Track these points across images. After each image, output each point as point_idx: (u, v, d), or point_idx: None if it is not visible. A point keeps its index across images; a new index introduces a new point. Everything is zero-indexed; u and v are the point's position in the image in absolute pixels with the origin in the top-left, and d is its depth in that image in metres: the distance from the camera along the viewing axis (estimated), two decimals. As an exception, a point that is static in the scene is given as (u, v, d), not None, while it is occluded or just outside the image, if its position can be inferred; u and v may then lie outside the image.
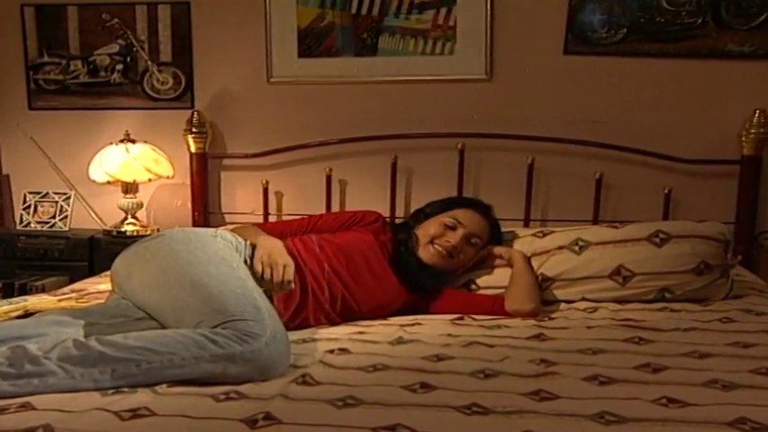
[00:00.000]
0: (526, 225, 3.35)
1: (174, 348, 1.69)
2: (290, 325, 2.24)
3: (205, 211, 3.67)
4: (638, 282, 2.59)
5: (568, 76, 3.39)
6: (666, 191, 3.29)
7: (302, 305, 2.30)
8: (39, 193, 3.69)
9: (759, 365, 1.81)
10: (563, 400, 1.59)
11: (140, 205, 3.60)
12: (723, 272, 2.62)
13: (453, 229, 2.58)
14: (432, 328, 2.28)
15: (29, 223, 3.64)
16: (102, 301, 2.32)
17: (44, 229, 3.61)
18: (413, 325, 2.32)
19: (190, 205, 3.69)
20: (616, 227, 2.77)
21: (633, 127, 3.34)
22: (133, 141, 3.53)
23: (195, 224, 3.63)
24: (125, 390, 1.62)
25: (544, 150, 3.38)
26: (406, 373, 1.79)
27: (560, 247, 2.69)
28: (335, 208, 3.59)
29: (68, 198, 3.66)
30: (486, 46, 3.41)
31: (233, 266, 2.06)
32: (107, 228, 3.58)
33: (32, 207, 3.66)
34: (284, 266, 2.23)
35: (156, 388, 1.63)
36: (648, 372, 1.80)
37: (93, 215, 3.73)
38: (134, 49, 3.70)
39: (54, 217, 3.63)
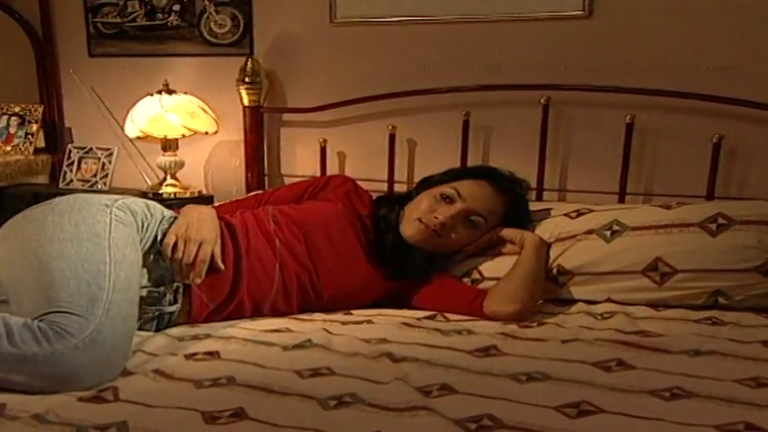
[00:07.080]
0: (621, 200, 2.66)
1: None
2: (218, 316, 1.85)
3: (260, 172, 3.25)
4: (680, 281, 1.97)
5: (689, 9, 2.62)
6: (809, 160, 2.49)
7: (235, 289, 1.86)
8: (83, 148, 3.39)
9: (740, 419, 1.24)
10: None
11: (181, 164, 3.19)
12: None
13: (450, 202, 2.05)
14: (368, 330, 1.81)
15: (71, 181, 3.34)
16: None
17: (84, 187, 3.28)
18: (359, 323, 1.86)
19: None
20: (669, 207, 2.11)
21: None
22: (170, 92, 3.13)
23: (249, 188, 3.21)
24: None
25: (650, 106, 2.66)
26: (243, 393, 1.39)
27: (589, 231, 2.08)
28: (401, 172, 3.05)
29: (111, 154, 3.32)
30: (586, -27, 2.72)
31: (104, 245, 1.63)
32: (144, 189, 3.20)
33: (76, 163, 3.36)
34: (200, 244, 1.78)
35: None
36: (569, 415, 1.27)
37: (144, 175, 3.39)
38: (190, -14, 3.31)
39: (95, 175, 3.31)
